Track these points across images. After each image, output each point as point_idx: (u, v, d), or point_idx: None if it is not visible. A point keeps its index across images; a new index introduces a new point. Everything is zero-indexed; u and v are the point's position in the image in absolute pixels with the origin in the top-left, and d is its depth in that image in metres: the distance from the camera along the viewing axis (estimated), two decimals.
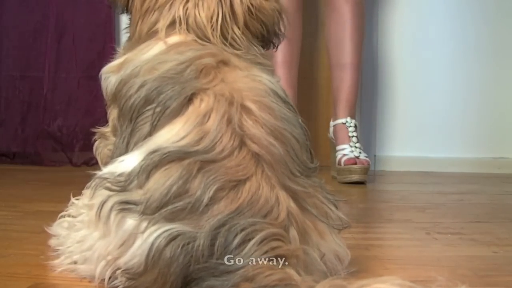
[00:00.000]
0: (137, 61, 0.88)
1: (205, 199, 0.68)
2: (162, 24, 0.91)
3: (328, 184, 1.02)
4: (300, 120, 0.82)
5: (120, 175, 0.73)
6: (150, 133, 0.76)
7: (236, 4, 0.92)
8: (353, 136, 2.07)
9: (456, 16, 2.44)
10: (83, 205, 0.82)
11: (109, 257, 0.72)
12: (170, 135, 0.73)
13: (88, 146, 2.27)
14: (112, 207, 0.71)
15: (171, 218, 0.68)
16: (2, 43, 2.38)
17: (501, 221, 1.40)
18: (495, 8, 2.42)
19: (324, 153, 2.25)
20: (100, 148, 0.99)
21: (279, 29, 0.98)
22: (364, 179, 1.98)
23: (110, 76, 0.92)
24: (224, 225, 0.67)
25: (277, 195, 0.71)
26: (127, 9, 0.98)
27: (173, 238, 0.67)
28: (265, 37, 0.96)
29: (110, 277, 0.73)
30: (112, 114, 0.93)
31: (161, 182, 0.69)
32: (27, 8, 2.36)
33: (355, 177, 1.98)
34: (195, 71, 0.80)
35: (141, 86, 0.81)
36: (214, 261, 0.65)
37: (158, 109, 0.76)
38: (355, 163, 2.00)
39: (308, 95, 2.44)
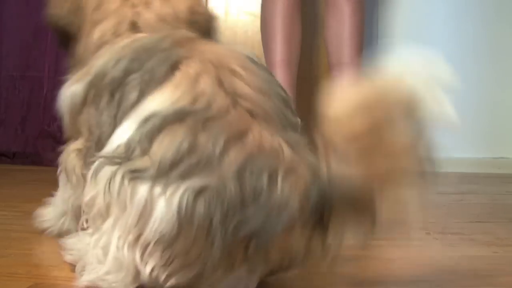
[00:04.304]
0: (101, 60, 0.87)
1: (217, 151, 0.67)
2: (119, 27, 0.94)
3: None
4: (278, 81, 0.85)
5: (118, 147, 0.72)
6: (138, 101, 0.76)
7: (180, 14, 0.97)
8: None
9: (455, 17, 2.44)
10: (85, 205, 0.80)
11: (130, 237, 0.68)
12: (163, 99, 0.73)
13: None
14: (122, 178, 0.68)
15: (186, 175, 0.66)
16: (2, 43, 2.38)
17: (501, 221, 1.40)
18: (493, 9, 2.43)
19: None
20: (81, 162, 0.96)
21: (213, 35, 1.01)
22: None
23: (73, 86, 0.92)
24: (245, 169, 0.66)
25: (279, 141, 0.72)
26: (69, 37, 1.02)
27: (199, 192, 0.65)
28: None
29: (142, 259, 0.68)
30: (83, 119, 0.90)
31: (167, 143, 0.68)
32: (27, 8, 2.36)
33: None
34: (171, 42, 0.82)
35: (117, 61, 0.82)
36: (255, 204, 0.65)
37: (146, 77, 0.77)
38: None
39: (308, 95, 2.44)
